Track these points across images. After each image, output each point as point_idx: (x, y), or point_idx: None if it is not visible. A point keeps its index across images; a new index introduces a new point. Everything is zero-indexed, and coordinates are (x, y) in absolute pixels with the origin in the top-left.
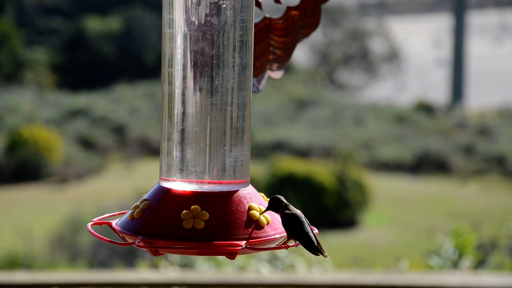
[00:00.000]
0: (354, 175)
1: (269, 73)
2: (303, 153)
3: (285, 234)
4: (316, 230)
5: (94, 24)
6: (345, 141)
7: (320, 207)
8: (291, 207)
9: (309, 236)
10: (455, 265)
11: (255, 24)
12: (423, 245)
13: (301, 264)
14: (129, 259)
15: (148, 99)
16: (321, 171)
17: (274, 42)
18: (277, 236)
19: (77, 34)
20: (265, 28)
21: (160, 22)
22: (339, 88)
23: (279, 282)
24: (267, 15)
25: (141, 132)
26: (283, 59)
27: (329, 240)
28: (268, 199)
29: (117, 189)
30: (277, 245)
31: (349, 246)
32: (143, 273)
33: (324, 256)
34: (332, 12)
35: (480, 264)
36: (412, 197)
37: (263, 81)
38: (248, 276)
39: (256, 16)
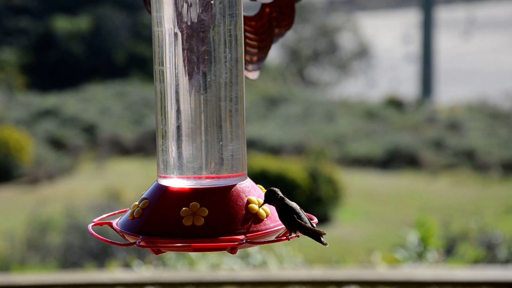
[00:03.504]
0: (326, 171)
1: (245, 73)
2: (275, 150)
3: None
4: (315, 220)
5: (63, 24)
6: (316, 137)
7: None
8: (287, 199)
9: (308, 226)
10: (420, 256)
11: None
12: (394, 239)
13: (273, 261)
14: (101, 259)
15: (118, 99)
16: (293, 168)
17: (249, 41)
18: (277, 228)
19: (46, 34)
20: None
21: (129, 21)
22: (310, 85)
23: (252, 279)
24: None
25: (112, 132)
26: (259, 59)
27: (302, 237)
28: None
29: (89, 189)
30: (277, 237)
31: None
32: (116, 273)
33: (324, 244)
34: (301, 9)
35: (445, 254)
36: (383, 192)
37: None
38: (221, 274)
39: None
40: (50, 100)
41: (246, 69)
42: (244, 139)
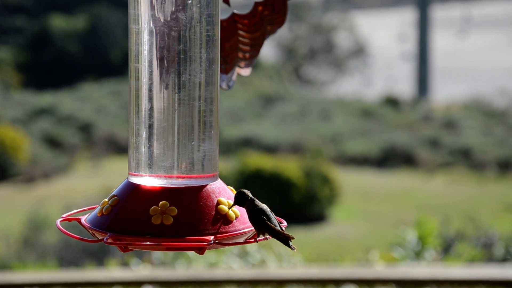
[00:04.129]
0: (322, 170)
1: (237, 70)
2: (270, 149)
3: (253, 228)
4: (284, 223)
5: (59, 23)
6: (312, 136)
7: (288, 203)
8: (257, 201)
9: (277, 229)
10: (418, 255)
11: (224, 21)
12: (391, 238)
13: (271, 259)
14: (99, 258)
15: (114, 97)
16: (289, 166)
17: (242, 38)
18: (246, 230)
19: (41, 32)
20: (233, 24)
21: (126, 20)
22: (306, 83)
23: (250, 277)
24: (235, 11)
25: (108, 131)
26: (251, 56)
27: (298, 235)
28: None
29: (85, 188)
30: (246, 239)
31: (319, 241)
32: (113, 272)
33: (292, 248)
34: (297, 7)
35: (442, 253)
36: (379, 190)
37: (233, 78)
38: (219, 273)
39: (224, 13)
40: (46, 98)
41: (238, 66)
42: (217, 140)
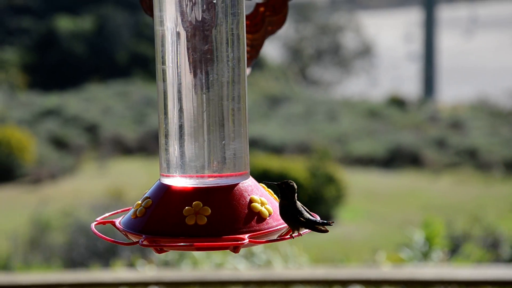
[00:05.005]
0: (328, 171)
1: None
2: (277, 149)
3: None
4: (318, 217)
5: (65, 24)
6: (318, 136)
7: None
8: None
9: (311, 220)
10: (425, 256)
11: None
12: (397, 239)
13: (277, 260)
14: (105, 259)
15: (120, 98)
16: (295, 167)
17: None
18: (280, 227)
19: (48, 33)
20: None
21: (132, 21)
22: (312, 84)
23: (256, 278)
24: None
25: (114, 131)
26: (251, 56)
27: (304, 236)
28: (269, 190)
29: (91, 189)
30: (280, 236)
31: (325, 242)
32: (119, 273)
33: (330, 224)
34: (303, 8)
35: (450, 254)
36: (386, 191)
37: None
38: (225, 273)
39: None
40: (52, 99)
41: None
42: (247, 138)
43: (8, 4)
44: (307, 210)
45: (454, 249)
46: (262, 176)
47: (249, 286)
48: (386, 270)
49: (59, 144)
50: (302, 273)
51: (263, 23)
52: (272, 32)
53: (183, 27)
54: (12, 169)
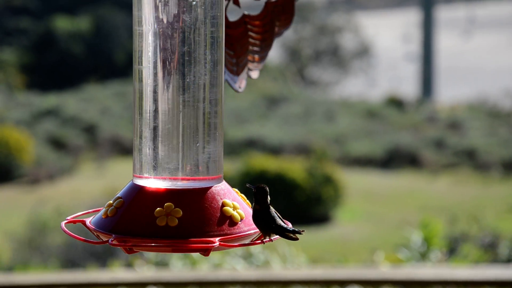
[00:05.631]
0: (326, 171)
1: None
2: (275, 150)
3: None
4: (290, 225)
5: (63, 24)
6: (316, 137)
7: (292, 204)
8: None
9: (282, 226)
10: (423, 256)
11: (234, 22)
12: (395, 239)
13: (276, 260)
14: (103, 259)
15: (119, 99)
16: (293, 167)
17: (252, 40)
18: (251, 232)
19: (46, 34)
20: (244, 25)
21: (130, 21)
22: (310, 85)
23: (254, 279)
24: (246, 12)
25: (112, 132)
26: (261, 57)
27: (303, 237)
28: (242, 195)
29: (89, 189)
30: (251, 240)
31: (323, 242)
32: (117, 273)
33: (300, 233)
34: (302, 8)
35: (448, 254)
36: (384, 191)
37: (244, 81)
38: (223, 274)
39: (235, 14)
40: (50, 100)
41: (248, 68)
42: (222, 141)
43: (6, 5)
44: (280, 216)
45: (452, 250)
46: (259, 177)
47: (247, 286)
48: (385, 270)
49: (57, 144)
50: (300, 273)
51: (272, 23)
52: (279, 33)
53: (160, 28)
54: (10, 169)
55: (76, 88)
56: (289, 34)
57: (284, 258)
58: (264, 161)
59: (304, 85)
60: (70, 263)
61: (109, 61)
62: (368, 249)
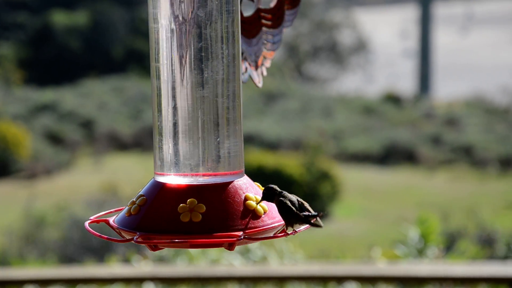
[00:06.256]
0: (323, 167)
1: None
2: (272, 145)
3: (283, 222)
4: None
5: (60, 19)
6: (314, 133)
7: None
8: (286, 193)
9: (302, 215)
10: (420, 253)
11: (248, 18)
12: (392, 235)
13: (273, 256)
14: (100, 254)
15: (116, 94)
16: (290, 163)
17: (265, 34)
18: (275, 224)
19: (43, 28)
20: (258, 20)
21: (127, 16)
22: (308, 80)
23: (251, 274)
24: (260, 7)
25: (109, 127)
26: (273, 49)
27: (300, 232)
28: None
29: (86, 184)
30: (275, 233)
31: (320, 238)
32: (115, 268)
33: (319, 215)
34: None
35: (445, 250)
36: (381, 187)
37: (261, 76)
38: (220, 269)
39: (248, 9)
40: (48, 95)
41: (262, 61)
42: (241, 136)
43: (4, 0)
44: (301, 201)
45: (449, 246)
46: (257, 172)
47: (245, 282)
48: (382, 267)
49: (55, 139)
50: (298, 269)
51: (284, 14)
52: (287, 26)
53: (177, 24)
54: (7, 164)
55: (73, 83)
56: (287, 30)
57: (281, 254)
58: (261, 157)
59: (302, 81)
60: (67, 258)
61: (107, 56)
62: (365, 245)
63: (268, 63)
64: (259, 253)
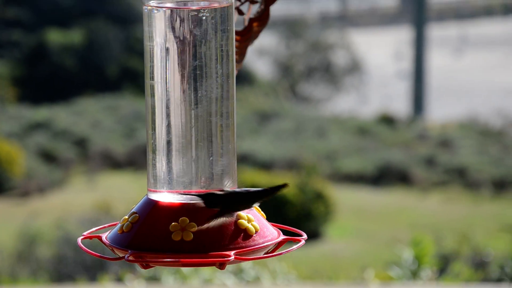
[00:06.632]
0: (317, 187)
1: None
2: (266, 165)
3: (274, 241)
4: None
5: (55, 37)
6: (307, 153)
7: (283, 220)
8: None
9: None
10: (414, 275)
11: None
12: (385, 257)
13: (266, 276)
14: (93, 273)
15: (110, 112)
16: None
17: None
18: (266, 244)
19: (38, 46)
20: None
21: (122, 35)
22: (302, 101)
23: None
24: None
25: (103, 145)
26: (238, 64)
27: (293, 253)
28: (256, 207)
29: (80, 202)
30: (266, 253)
31: (313, 258)
32: (107, 287)
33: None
34: (294, 24)
35: (439, 272)
36: (374, 208)
37: None
38: None
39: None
40: (42, 113)
41: None
42: (235, 154)
43: None
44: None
45: (443, 268)
46: None
47: None
48: None
49: (48, 157)
50: None
51: (252, 35)
52: (258, 32)
53: (172, 42)
54: (0, 182)
55: (67, 101)
56: (281, 50)
57: (274, 274)
58: (255, 176)
59: (296, 101)
60: (60, 276)
61: (101, 74)
62: (358, 266)
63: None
64: (252, 273)
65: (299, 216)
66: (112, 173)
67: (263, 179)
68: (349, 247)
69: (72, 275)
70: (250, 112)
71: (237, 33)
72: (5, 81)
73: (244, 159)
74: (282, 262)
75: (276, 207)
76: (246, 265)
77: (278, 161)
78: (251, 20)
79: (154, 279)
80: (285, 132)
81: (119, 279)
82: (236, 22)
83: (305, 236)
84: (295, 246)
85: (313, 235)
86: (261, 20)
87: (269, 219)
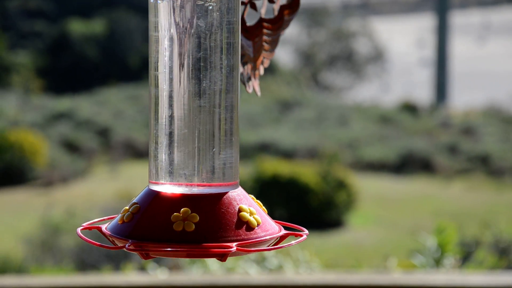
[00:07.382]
0: (339, 176)
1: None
2: (288, 154)
3: (276, 235)
4: None
5: (77, 27)
6: (329, 141)
7: (305, 208)
8: None
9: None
10: (437, 262)
11: (250, 26)
12: (408, 245)
13: (288, 265)
14: (117, 261)
15: (132, 102)
16: (306, 172)
17: (265, 43)
18: (268, 237)
19: (60, 37)
20: (260, 28)
21: (145, 25)
22: (324, 89)
23: (266, 283)
24: (263, 16)
25: (126, 135)
26: (270, 54)
27: (315, 241)
28: (258, 201)
29: (103, 192)
30: (268, 246)
31: (336, 247)
32: (130, 276)
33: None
34: (316, 13)
35: (462, 260)
36: (397, 197)
37: (256, 83)
38: (236, 278)
39: (252, 18)
40: (65, 103)
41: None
42: (238, 147)
43: (21, 8)
44: None
45: (466, 256)
46: (272, 181)
47: None
48: (397, 276)
49: (71, 147)
50: (313, 278)
51: (283, 23)
52: (285, 29)
53: (177, 33)
54: (24, 172)
55: (90, 91)
56: (303, 38)
57: (297, 262)
58: (277, 165)
59: (318, 90)
60: (85, 265)
61: (123, 64)
62: (380, 255)
63: (266, 64)
64: (275, 262)
65: (321, 205)
66: (135, 163)
67: (285, 168)
68: (371, 236)
69: (95, 265)
70: (272, 101)
71: (268, 21)
72: (28, 72)
73: (266, 148)
74: (304, 250)
75: (298, 196)
76: (269, 253)
77: (300, 150)
78: (281, 8)
79: (176, 268)
80: (307, 121)
81: (142, 268)
82: (266, 11)
83: (306, 231)
84: (296, 241)
85: (336, 224)
86: (292, 8)
87: (291, 208)
